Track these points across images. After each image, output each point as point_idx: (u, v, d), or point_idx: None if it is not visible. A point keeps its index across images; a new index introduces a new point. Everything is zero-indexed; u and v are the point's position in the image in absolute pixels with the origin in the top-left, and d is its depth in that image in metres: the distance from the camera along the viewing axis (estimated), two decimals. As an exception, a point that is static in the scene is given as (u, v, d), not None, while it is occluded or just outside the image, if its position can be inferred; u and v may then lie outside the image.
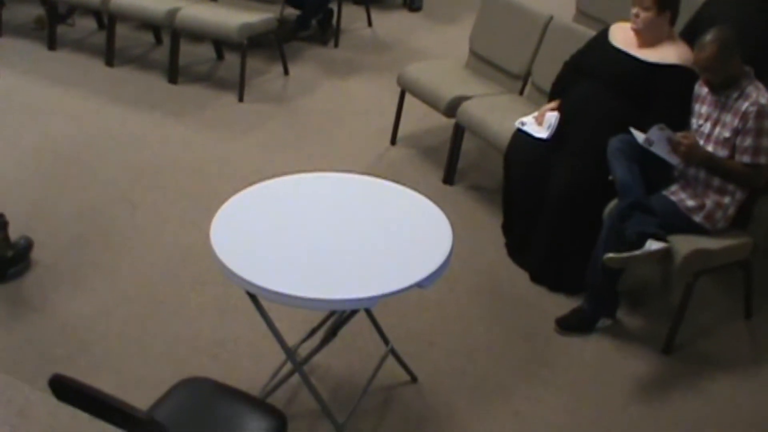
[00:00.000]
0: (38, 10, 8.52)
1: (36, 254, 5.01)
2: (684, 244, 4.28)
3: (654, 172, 4.47)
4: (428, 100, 6.12)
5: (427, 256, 3.40)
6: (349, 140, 6.62)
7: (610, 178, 4.53)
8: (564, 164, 4.84)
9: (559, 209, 4.84)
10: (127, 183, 5.90)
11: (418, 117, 6.72)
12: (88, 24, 8.52)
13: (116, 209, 5.58)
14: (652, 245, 4.22)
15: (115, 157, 6.25)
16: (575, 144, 4.85)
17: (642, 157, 4.41)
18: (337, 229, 3.56)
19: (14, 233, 4.95)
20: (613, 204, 4.53)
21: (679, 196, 4.43)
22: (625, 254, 4.25)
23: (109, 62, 7.74)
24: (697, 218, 4.36)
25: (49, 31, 8.12)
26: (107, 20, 7.82)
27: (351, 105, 7.18)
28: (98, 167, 6.09)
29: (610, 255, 4.28)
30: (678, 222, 4.36)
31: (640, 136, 4.37)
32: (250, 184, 3.92)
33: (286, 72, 7.60)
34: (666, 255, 4.27)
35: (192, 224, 5.38)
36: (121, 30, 7.98)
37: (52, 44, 8.09)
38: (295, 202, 3.77)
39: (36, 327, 4.47)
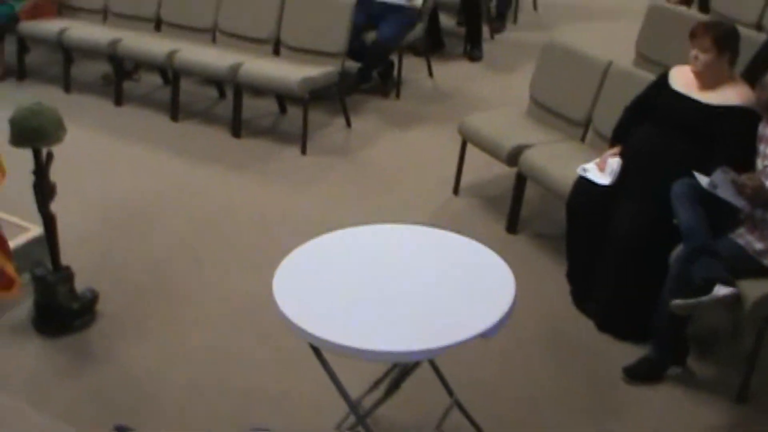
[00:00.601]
0: (105, 67, 8.66)
1: (101, 306, 5.06)
2: (753, 289, 4.19)
3: (720, 215, 4.40)
4: (490, 149, 6.11)
5: (490, 306, 3.37)
6: (411, 191, 6.61)
7: (675, 222, 4.46)
8: (627, 210, 4.79)
9: (623, 255, 4.78)
10: (191, 235, 5.94)
11: (480, 166, 6.70)
12: (153, 80, 8.64)
13: (180, 261, 5.62)
14: (720, 290, 4.14)
15: (179, 209, 6.30)
16: (638, 189, 4.80)
17: (707, 200, 4.34)
18: (400, 281, 3.55)
19: (80, 285, 4.99)
20: (678, 249, 4.46)
21: (746, 239, 4.35)
22: (692, 300, 4.18)
23: (174, 117, 7.83)
24: (766, 261, 4.27)
25: (115, 87, 8.25)
26: (172, 76, 7.94)
27: (413, 156, 7.18)
28: (163, 220, 6.15)
29: (677, 302, 4.21)
30: (746, 266, 4.27)
31: (704, 179, 4.30)
32: (313, 236, 3.92)
33: (348, 124, 7.64)
34: (735, 300, 4.18)
35: (255, 276, 5.39)
36: (185, 85, 8.07)
37: (118, 100, 8.21)
38: (358, 254, 3.76)
39: (100, 378, 4.50)
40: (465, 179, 6.61)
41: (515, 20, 10.54)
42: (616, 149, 5.06)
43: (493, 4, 10.23)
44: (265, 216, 6.22)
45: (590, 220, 5.02)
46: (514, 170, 5.95)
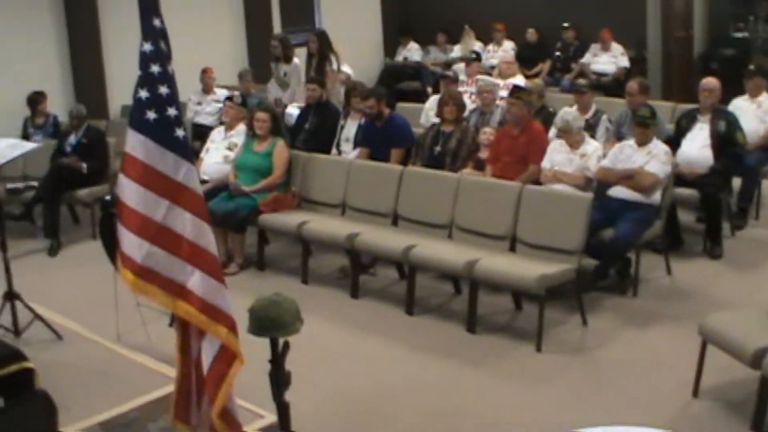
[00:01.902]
0: (342, 260, 8.89)
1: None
2: None
3: None
4: (732, 350, 5.87)
5: None
6: (648, 392, 6.40)
7: None
8: None
9: None
10: (423, 430, 5.90)
11: (722, 368, 6.43)
12: (389, 274, 8.78)
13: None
14: None
15: (412, 405, 6.29)
16: None
17: None
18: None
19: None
20: None
21: None
22: None
23: (409, 311, 7.91)
24: None
25: (352, 280, 8.43)
26: (408, 271, 8.06)
27: (650, 355, 6.98)
28: (395, 414, 6.15)
29: None
30: None
31: None
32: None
33: (584, 322, 7.52)
34: None
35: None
36: (421, 280, 8.16)
37: (354, 292, 8.37)
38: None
39: None
40: (705, 381, 6.35)
41: (757, 216, 10.23)
42: None
43: (734, 199, 10.00)
44: (498, 413, 6.14)
45: None
46: (758, 373, 5.69)
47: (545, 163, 8.51)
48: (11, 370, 5.43)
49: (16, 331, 7.58)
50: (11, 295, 7.57)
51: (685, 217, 9.67)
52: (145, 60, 4.88)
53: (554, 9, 15.39)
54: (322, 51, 11.94)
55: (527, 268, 7.19)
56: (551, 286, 7.19)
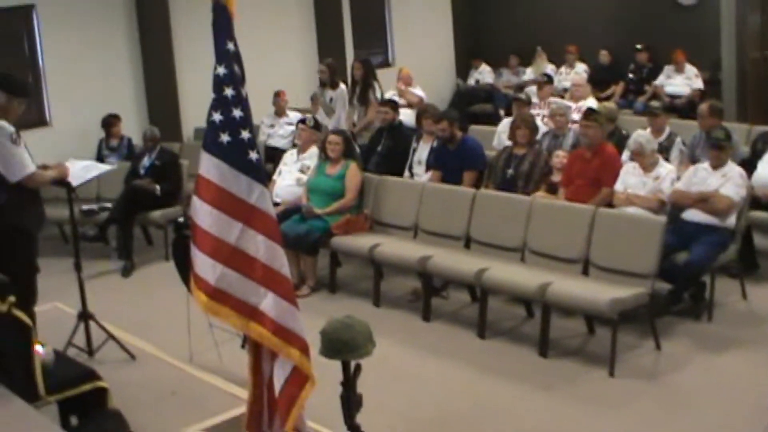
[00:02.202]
0: (415, 283, 8.87)
1: None
2: None
3: None
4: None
5: None
6: (722, 419, 6.30)
7: None
8: None
9: None
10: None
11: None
12: (461, 297, 8.75)
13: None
14: None
15: (483, 428, 6.28)
16: None
17: None
18: None
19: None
20: None
21: None
22: None
23: (481, 334, 7.87)
24: None
25: (424, 302, 8.42)
26: (480, 294, 8.03)
27: (725, 381, 6.87)
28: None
29: None
30: None
31: None
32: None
33: (657, 347, 7.41)
34: None
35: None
36: (493, 303, 8.12)
37: (426, 315, 8.36)
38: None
39: None
40: (783, 408, 6.26)
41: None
42: None
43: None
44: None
45: None
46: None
47: (618, 186, 8.44)
48: (85, 389, 5.50)
49: (90, 351, 7.67)
50: (85, 315, 7.66)
51: (761, 240, 9.50)
52: (218, 83, 4.94)
53: (627, 30, 15.29)
54: (366, 79, 11.89)
55: (600, 292, 7.12)
56: (624, 310, 7.11)
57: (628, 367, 7.15)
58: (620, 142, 9.48)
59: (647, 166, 8.34)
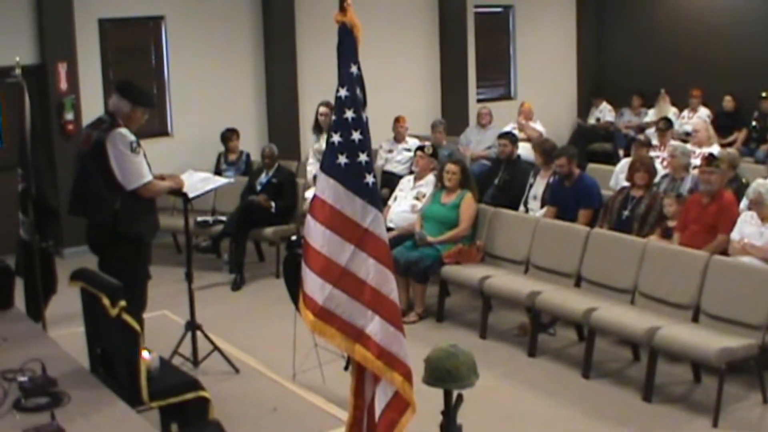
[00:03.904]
0: (522, 317, 8.84)
1: None
2: None
3: None
4: None
5: None
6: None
7: None
8: None
9: None
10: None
11: None
12: (568, 335, 8.68)
13: None
14: None
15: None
16: None
17: None
18: None
19: None
20: None
21: None
22: None
23: (586, 374, 7.79)
24: None
25: (530, 338, 8.38)
26: (587, 333, 7.96)
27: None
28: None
29: None
30: None
31: None
32: None
33: (765, 400, 7.24)
34: None
35: None
36: (600, 343, 8.04)
37: (532, 351, 8.31)
38: None
39: None
40: None
41: None
42: None
43: None
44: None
45: None
46: None
47: (734, 235, 8.28)
48: (187, 398, 5.59)
49: (195, 361, 7.82)
50: (193, 326, 7.81)
51: None
52: (340, 105, 5.01)
53: (753, 77, 15.03)
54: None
55: (709, 340, 7.00)
56: (733, 361, 6.96)
57: (733, 418, 7.01)
58: (739, 189, 9.30)
59: (766, 217, 8.17)
